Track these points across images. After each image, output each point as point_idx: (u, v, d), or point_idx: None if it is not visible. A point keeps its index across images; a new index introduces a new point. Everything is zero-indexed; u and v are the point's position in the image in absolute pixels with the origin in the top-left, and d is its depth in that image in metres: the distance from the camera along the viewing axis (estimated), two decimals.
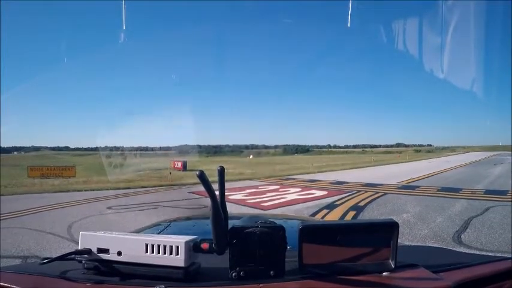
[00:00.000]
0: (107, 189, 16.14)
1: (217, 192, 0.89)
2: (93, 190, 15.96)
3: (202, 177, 0.83)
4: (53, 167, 23.39)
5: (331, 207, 9.81)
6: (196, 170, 0.82)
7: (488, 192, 11.77)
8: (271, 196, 12.44)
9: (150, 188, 16.69)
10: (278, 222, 0.97)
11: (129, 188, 16.54)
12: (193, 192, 14.14)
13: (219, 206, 0.88)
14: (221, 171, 0.91)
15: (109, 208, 10.73)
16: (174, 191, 15.49)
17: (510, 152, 50.69)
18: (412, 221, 7.60)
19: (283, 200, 11.58)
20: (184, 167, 28.18)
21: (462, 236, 6.38)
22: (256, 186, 15.49)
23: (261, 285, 0.85)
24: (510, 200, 10.00)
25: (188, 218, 2.71)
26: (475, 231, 6.65)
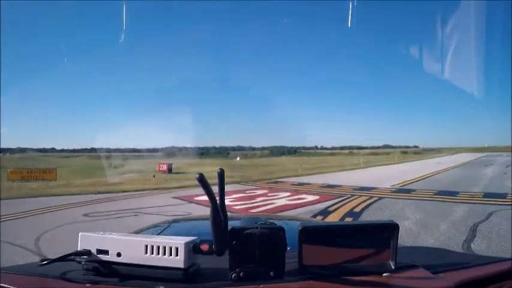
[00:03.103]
0: (87, 194, 15.58)
1: (217, 192, 0.89)
2: (73, 194, 15.37)
3: (202, 180, 0.82)
4: (34, 170, 23.01)
5: (324, 213, 9.31)
6: (196, 173, 0.82)
7: (487, 195, 11.49)
8: (260, 201, 11.91)
9: (132, 193, 16.14)
10: (278, 223, 0.97)
11: (110, 192, 16.01)
12: (177, 197, 13.62)
13: (218, 208, 0.87)
14: (221, 174, 0.90)
15: (85, 215, 10.09)
16: (157, 196, 14.98)
17: (498, 153, 51.74)
18: (415, 229, 7.14)
19: (273, 205, 11.07)
20: (170, 169, 27.96)
21: (472, 246, 5.96)
22: (243, 191, 14.87)
23: (260, 286, 0.86)
24: (511, 203, 9.69)
25: (188, 219, 2.85)
26: (484, 239, 6.26)
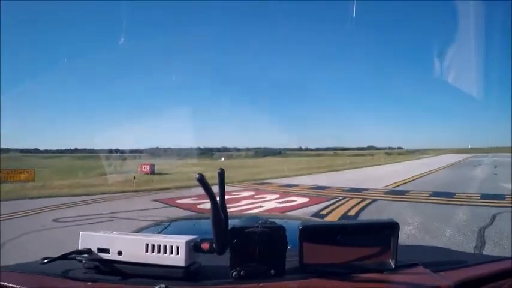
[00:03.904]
0: (63, 196, 14.70)
1: (218, 192, 0.91)
2: (48, 197, 14.41)
3: (202, 181, 0.83)
4: (11, 170, 22.29)
5: (317, 217, 8.62)
6: (197, 174, 0.82)
7: (484, 196, 11.11)
8: (247, 204, 11.20)
9: (111, 195, 15.29)
10: (278, 222, 0.97)
11: (87, 195, 15.07)
12: (157, 200, 12.81)
13: (219, 207, 0.88)
14: (221, 174, 0.90)
15: (55, 221, 9.19)
16: (136, 199, 14.13)
17: (483, 154, 52.59)
18: (419, 235, 6.58)
19: (261, 209, 10.39)
20: (152, 170, 27.31)
21: (485, 254, 5.40)
22: (229, 193, 13.79)
23: (261, 284, 0.86)
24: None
25: (189, 218, 2.96)
26: (495, 247, 5.78)
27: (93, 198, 14.25)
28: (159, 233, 1.80)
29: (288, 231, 0.92)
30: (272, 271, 0.90)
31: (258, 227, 0.90)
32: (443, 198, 10.99)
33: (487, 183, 15.17)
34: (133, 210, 10.56)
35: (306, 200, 11.73)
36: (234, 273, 0.89)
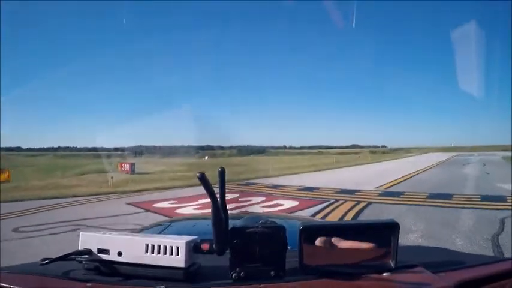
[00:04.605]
0: (33, 199, 13.44)
1: (218, 192, 0.90)
2: (16, 201, 13.09)
3: (203, 179, 0.83)
4: None
5: None
6: (198, 172, 0.82)
7: (485, 198, 10.55)
8: (230, 209, 10.13)
9: (84, 197, 14.13)
10: (278, 222, 0.97)
11: (58, 198, 13.89)
12: (132, 204, 11.78)
13: (219, 207, 0.87)
14: (222, 173, 0.88)
15: (15, 231, 8.09)
16: (109, 202, 13.14)
17: (469, 153, 53.27)
18: (426, 245, 5.85)
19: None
20: (133, 169, 26.14)
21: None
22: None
23: (261, 285, 0.87)
24: None
25: (188, 218, 3.11)
26: None
27: (64, 201, 13.09)
28: (159, 233, 1.82)
29: (288, 231, 0.91)
30: (272, 272, 0.89)
31: (258, 227, 0.90)
32: (442, 201, 10.40)
33: (483, 183, 14.79)
34: (102, 217, 9.51)
35: (295, 203, 10.94)
36: (234, 274, 0.88)
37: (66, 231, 7.92)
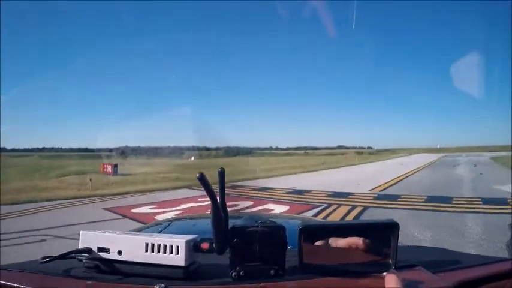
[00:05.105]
0: (5, 204, 12.16)
1: (218, 191, 0.91)
2: None
3: (203, 179, 0.83)
4: None
5: None
6: (197, 173, 0.82)
7: (486, 201, 10.10)
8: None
9: (59, 202, 13.10)
10: (278, 221, 0.99)
11: (30, 202, 12.83)
12: (109, 209, 10.92)
13: (219, 206, 0.88)
14: (222, 173, 0.90)
15: None
16: (85, 207, 12.20)
17: (456, 154, 53.76)
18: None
19: None
20: (115, 171, 25.19)
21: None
22: (195, 199, 12.42)
23: (261, 284, 0.87)
24: None
25: (188, 217, 3.07)
26: None
27: (36, 206, 12.05)
28: (159, 232, 1.82)
29: (288, 230, 0.92)
30: (272, 271, 0.90)
31: (258, 226, 0.91)
32: (442, 204, 9.87)
33: (479, 185, 14.43)
34: (74, 224, 8.56)
35: (285, 208, 10.29)
36: (233, 273, 0.89)
37: (31, 242, 7.06)
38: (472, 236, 6.48)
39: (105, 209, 11.18)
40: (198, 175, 0.82)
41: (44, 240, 7.26)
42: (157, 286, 0.82)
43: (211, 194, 0.85)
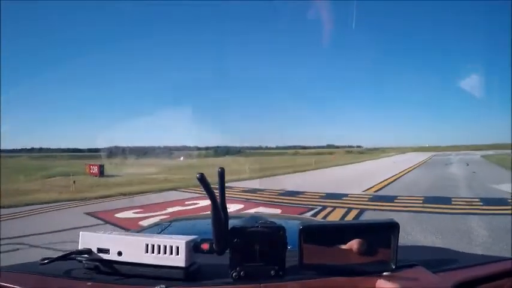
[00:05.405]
0: None
1: (218, 192, 0.92)
2: None
3: (203, 180, 0.84)
4: None
5: None
6: (197, 173, 0.83)
7: (486, 202, 9.76)
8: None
9: (38, 206, 12.31)
10: (278, 222, 1.00)
11: (9, 207, 12.00)
12: (91, 214, 10.26)
13: (219, 207, 0.89)
14: (221, 173, 0.91)
15: None
16: (66, 211, 11.47)
17: (447, 152, 54.24)
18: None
19: None
20: (101, 172, 24.61)
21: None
22: (182, 202, 11.93)
23: (261, 285, 0.87)
24: None
25: (188, 218, 3.08)
26: None
27: (14, 212, 11.27)
28: (159, 233, 1.81)
29: (287, 231, 0.93)
30: (272, 271, 0.90)
31: (258, 227, 0.92)
32: (442, 206, 9.50)
33: (475, 184, 14.15)
34: (51, 232, 7.91)
35: (277, 211, 9.75)
36: (234, 274, 0.90)
37: (4, 251, 6.41)
38: (478, 240, 6.13)
39: (86, 213, 10.51)
40: (198, 175, 0.83)
41: (15, 250, 6.63)
42: (158, 287, 0.82)
43: (211, 195, 0.86)
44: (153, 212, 9.99)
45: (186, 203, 11.80)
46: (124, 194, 15.00)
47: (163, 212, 10.06)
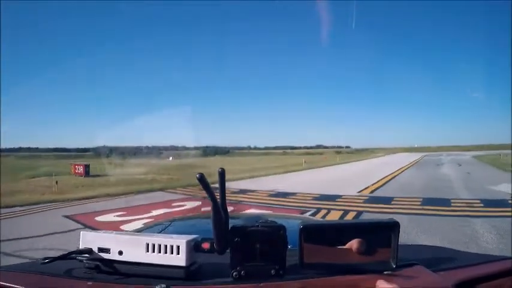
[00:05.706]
0: None
1: (219, 191, 0.91)
2: None
3: (202, 180, 0.83)
4: None
5: None
6: (197, 173, 0.81)
7: (487, 204, 9.47)
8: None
9: (19, 208, 11.64)
10: (279, 221, 0.98)
11: None
12: (70, 217, 9.63)
13: (219, 206, 0.88)
14: (222, 173, 0.89)
15: None
16: (45, 214, 10.83)
17: (437, 153, 54.53)
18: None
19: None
20: (87, 171, 23.84)
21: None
22: (168, 204, 11.44)
23: (261, 284, 0.87)
24: None
25: (189, 218, 3.13)
26: None
27: None
28: (160, 232, 1.79)
29: (288, 230, 0.92)
30: (272, 271, 0.90)
31: (258, 226, 0.91)
32: (441, 208, 9.15)
33: (471, 185, 13.91)
34: (29, 237, 7.30)
35: (269, 214, 9.21)
36: (234, 273, 0.89)
37: None
38: (485, 245, 5.77)
39: (65, 216, 9.85)
40: (197, 175, 0.81)
41: None
42: (158, 286, 0.81)
43: (211, 195, 0.85)
44: (137, 215, 9.42)
45: (173, 204, 11.32)
46: (109, 195, 14.46)
47: (148, 214, 9.47)
